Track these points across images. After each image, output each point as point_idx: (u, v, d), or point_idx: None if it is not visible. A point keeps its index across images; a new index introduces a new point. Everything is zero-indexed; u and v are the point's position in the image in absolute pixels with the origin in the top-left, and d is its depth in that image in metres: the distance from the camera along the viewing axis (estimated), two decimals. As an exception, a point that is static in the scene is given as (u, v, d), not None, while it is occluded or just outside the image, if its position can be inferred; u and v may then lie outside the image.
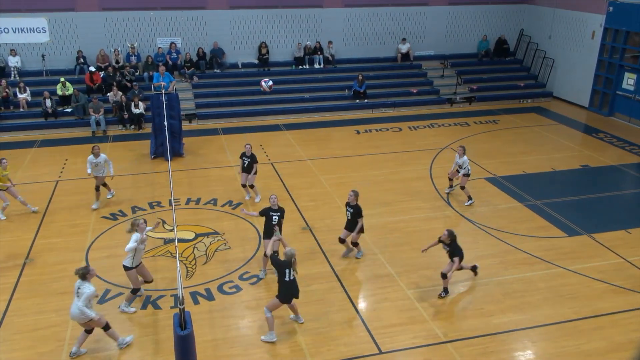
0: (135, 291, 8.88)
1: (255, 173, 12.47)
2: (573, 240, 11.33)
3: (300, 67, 21.73)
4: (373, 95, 20.77)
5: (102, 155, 12.23)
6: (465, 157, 12.67)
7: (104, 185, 12.65)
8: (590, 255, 10.73)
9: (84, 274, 7.68)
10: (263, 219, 9.77)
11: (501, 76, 22.87)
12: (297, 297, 8.33)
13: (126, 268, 8.67)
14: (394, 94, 21.19)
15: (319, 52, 21.75)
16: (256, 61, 21.42)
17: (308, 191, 13.47)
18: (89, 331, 7.89)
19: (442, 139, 17.45)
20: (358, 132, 18.19)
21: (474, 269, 9.93)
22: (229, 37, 21.00)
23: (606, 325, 8.70)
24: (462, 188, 12.76)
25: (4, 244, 10.86)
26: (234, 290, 9.59)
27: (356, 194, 10.27)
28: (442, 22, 23.01)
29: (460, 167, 12.74)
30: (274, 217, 9.72)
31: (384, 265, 10.34)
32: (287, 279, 8.07)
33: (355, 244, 10.48)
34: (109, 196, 12.89)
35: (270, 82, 14.10)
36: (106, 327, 7.89)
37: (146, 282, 9.11)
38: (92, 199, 12.51)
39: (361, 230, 10.32)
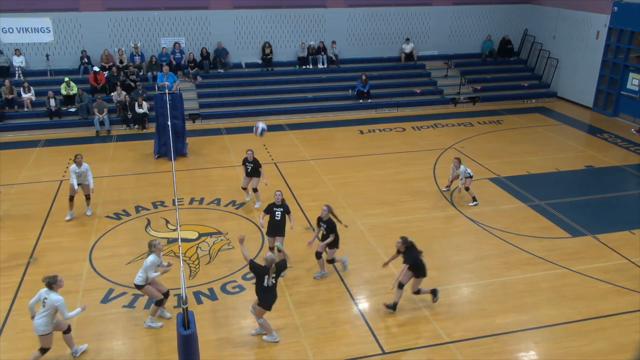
0: (159, 302, 8.55)
1: (259, 176, 12.40)
2: (577, 240, 11.29)
3: (304, 67, 21.73)
4: (376, 95, 20.76)
5: (85, 165, 11.68)
6: (462, 168, 12.69)
7: (88, 197, 11.97)
8: (594, 256, 10.69)
9: (50, 283, 7.43)
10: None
11: (505, 76, 22.82)
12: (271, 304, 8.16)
13: (138, 287, 8.44)
14: (398, 94, 21.17)
15: (323, 52, 21.75)
16: (260, 61, 21.44)
17: (311, 191, 13.48)
18: (66, 332, 7.78)
19: (445, 139, 17.43)
20: (361, 132, 18.18)
21: (433, 292, 9.10)
22: (232, 37, 21.03)
23: (609, 326, 8.67)
24: (467, 189, 12.74)
25: (7, 244, 10.90)
26: (237, 290, 9.60)
27: (329, 209, 9.67)
28: (446, 22, 22.97)
29: (458, 176, 12.80)
30: (276, 213, 9.81)
31: (388, 265, 10.31)
32: (265, 284, 7.92)
33: (331, 261, 9.89)
34: (89, 213, 12.13)
35: (262, 128, 12.29)
36: (44, 350, 7.59)
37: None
38: (68, 208, 11.96)
39: (335, 245, 9.78)
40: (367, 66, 21.85)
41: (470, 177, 12.76)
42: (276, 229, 9.92)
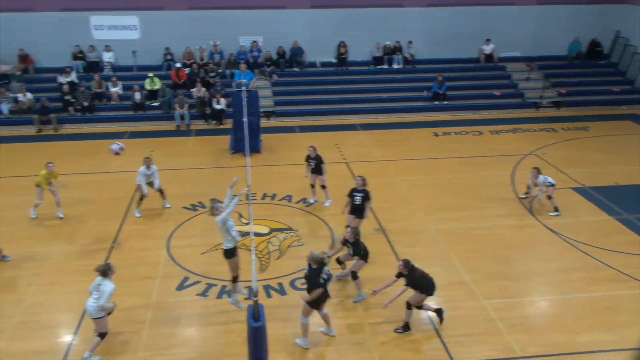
0: (235, 279, 8.70)
1: (324, 173, 12.43)
2: (670, 258, 10.43)
3: (379, 66, 21.55)
4: (453, 97, 20.24)
5: (154, 167, 12.03)
6: (541, 177, 12.09)
7: (161, 192, 12.37)
8: (690, 277, 9.83)
9: (105, 271, 7.65)
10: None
11: (593, 80, 21.53)
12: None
13: (228, 253, 8.49)
14: (476, 96, 20.54)
15: (398, 52, 21.48)
16: (334, 60, 21.48)
17: (382, 192, 13.27)
18: (101, 335, 7.76)
19: (526, 144, 16.68)
20: (436, 135, 17.77)
21: (438, 312, 8.60)
22: (308, 36, 21.20)
23: None
24: (549, 198, 12.11)
25: (93, 228, 11.54)
26: (306, 286, 9.60)
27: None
28: (529, 22, 21.99)
29: (536, 185, 12.21)
30: (356, 197, 10.23)
31: (459, 272, 10.00)
32: (320, 280, 7.83)
33: (355, 276, 9.26)
34: (168, 205, 12.51)
35: (116, 146, 13.36)
36: (102, 335, 7.76)
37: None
38: (137, 203, 12.26)
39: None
40: (443, 67, 21.36)
41: (552, 185, 12.13)
42: (355, 211, 10.41)
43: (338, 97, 20.23)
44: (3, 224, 11.52)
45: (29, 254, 10.52)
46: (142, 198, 12.11)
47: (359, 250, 9.09)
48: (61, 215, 11.90)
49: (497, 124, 18.77)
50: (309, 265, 7.96)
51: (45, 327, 8.58)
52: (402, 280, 8.20)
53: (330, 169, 12.87)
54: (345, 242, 9.29)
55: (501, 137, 17.57)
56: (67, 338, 8.36)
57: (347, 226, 10.10)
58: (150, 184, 12.18)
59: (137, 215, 12.21)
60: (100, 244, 10.82)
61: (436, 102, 19.98)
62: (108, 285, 7.59)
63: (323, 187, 12.54)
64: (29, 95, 18.48)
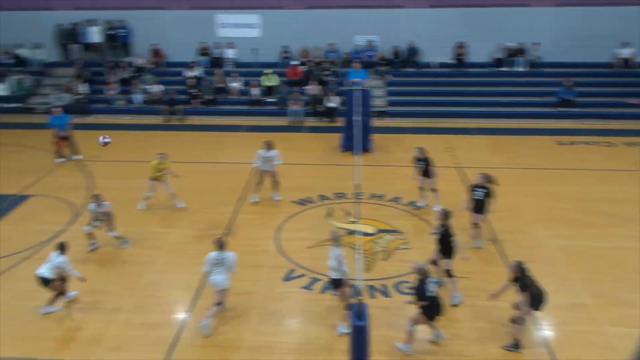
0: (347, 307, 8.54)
1: (433, 176, 12.04)
2: None
3: (499, 69, 20.54)
4: (582, 104, 18.74)
5: (274, 151, 12.26)
6: None
7: (275, 182, 12.62)
8: None
9: (222, 244, 8.34)
10: None
11: None
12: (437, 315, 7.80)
13: (337, 283, 8.39)
14: (608, 104, 18.87)
15: (521, 54, 20.31)
16: (452, 61, 20.81)
17: (496, 200, 12.62)
18: (220, 304, 8.45)
19: (666, 160, 15.02)
20: (560, 144, 16.57)
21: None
22: (425, 36, 20.69)
23: None
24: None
25: (208, 215, 12.12)
26: (411, 291, 9.38)
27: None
28: (677, 24, 19.75)
29: None
30: (475, 193, 10.11)
31: (580, 294, 9.20)
32: (428, 293, 7.60)
33: (450, 274, 8.98)
34: (278, 198, 12.72)
35: (104, 140, 12.54)
36: (221, 305, 8.47)
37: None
38: (276, 189, 12.73)
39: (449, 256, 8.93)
40: (572, 71, 19.81)
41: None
42: (477, 207, 10.23)
43: (454, 100, 19.58)
44: (129, 205, 12.45)
45: (150, 235, 11.33)
46: (259, 183, 12.56)
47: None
48: (181, 205, 12.45)
49: (632, 135, 17.07)
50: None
51: (162, 303, 9.18)
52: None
53: (439, 173, 12.46)
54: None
55: (636, 149, 15.95)
56: (181, 314, 8.87)
57: (475, 223, 10.39)
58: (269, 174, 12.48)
59: (254, 200, 12.64)
60: (214, 230, 11.31)
61: (562, 109, 18.61)
62: (230, 255, 8.32)
63: (433, 190, 12.16)
64: (159, 87, 19.95)
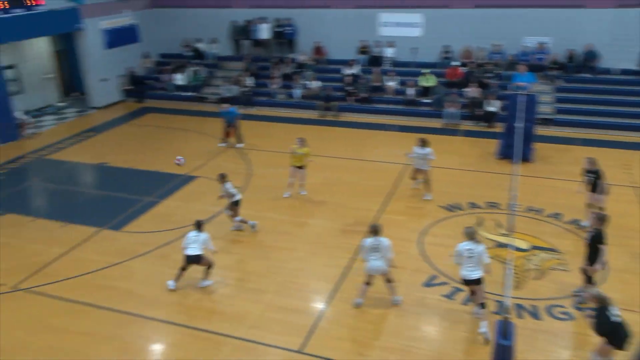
0: (483, 305, 8.33)
1: (603, 193, 10.70)
2: None
3: (698, 78, 17.72)
4: None
5: (428, 149, 12.31)
6: None
7: (426, 182, 12.60)
8: None
9: (377, 230, 8.53)
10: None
11: None
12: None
13: (478, 281, 8.13)
14: None
15: None
16: (637, 68, 18.43)
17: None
18: (390, 280, 8.74)
19: None
20: None
21: None
22: (607, 39, 18.60)
23: None
24: None
25: (356, 212, 12.17)
26: (565, 317, 8.51)
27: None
28: None
29: None
30: (588, 176, 9.95)
31: None
32: (612, 319, 6.76)
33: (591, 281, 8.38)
34: (429, 198, 12.61)
35: (178, 162, 12.44)
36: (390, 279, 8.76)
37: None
38: (427, 189, 12.69)
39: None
40: None
41: None
42: (593, 188, 10.15)
43: (635, 111, 17.34)
44: (278, 191, 13.01)
45: (296, 224, 11.75)
46: (414, 179, 12.84)
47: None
48: (303, 193, 12.92)
49: None
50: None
51: (302, 290, 9.45)
52: None
53: (611, 191, 11.08)
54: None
55: None
56: (320, 304, 9.03)
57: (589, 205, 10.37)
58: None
59: (415, 186, 13.00)
60: (359, 227, 11.34)
61: None
62: (385, 240, 8.52)
63: (600, 209, 10.81)
64: (318, 84, 20.62)
